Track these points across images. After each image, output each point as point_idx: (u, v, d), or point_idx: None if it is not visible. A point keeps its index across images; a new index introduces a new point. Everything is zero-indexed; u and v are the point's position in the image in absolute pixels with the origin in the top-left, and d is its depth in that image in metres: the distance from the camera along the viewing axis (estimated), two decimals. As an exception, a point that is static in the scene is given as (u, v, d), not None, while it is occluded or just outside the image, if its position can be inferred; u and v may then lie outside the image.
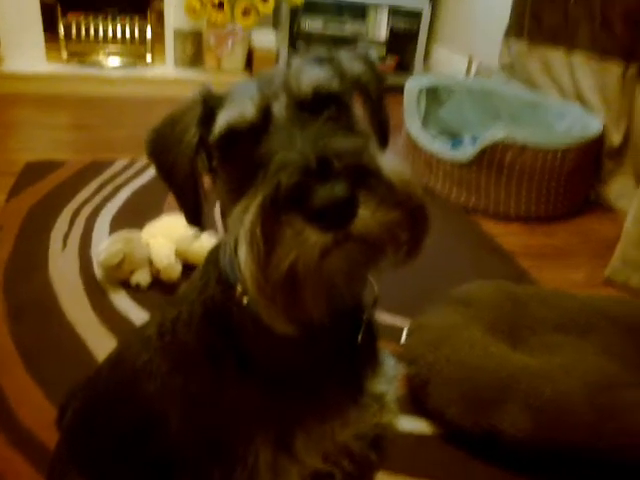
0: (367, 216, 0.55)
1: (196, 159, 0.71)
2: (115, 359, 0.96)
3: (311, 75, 0.68)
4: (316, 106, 0.67)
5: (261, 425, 0.74)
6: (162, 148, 0.72)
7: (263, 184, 0.58)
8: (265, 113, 0.65)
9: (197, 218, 0.75)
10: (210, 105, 0.70)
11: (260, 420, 0.74)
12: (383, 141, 0.79)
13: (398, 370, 0.88)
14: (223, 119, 0.67)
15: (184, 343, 0.81)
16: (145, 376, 0.84)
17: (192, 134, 0.70)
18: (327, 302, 0.60)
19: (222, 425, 0.76)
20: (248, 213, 0.57)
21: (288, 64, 0.70)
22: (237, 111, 0.66)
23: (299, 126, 0.63)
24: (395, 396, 0.86)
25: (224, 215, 0.72)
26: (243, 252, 0.57)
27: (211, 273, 0.80)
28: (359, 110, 0.75)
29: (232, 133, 0.67)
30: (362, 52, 0.79)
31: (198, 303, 0.80)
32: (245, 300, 0.71)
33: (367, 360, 0.82)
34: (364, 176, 0.56)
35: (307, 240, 0.54)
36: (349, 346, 0.78)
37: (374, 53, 0.81)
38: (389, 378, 0.85)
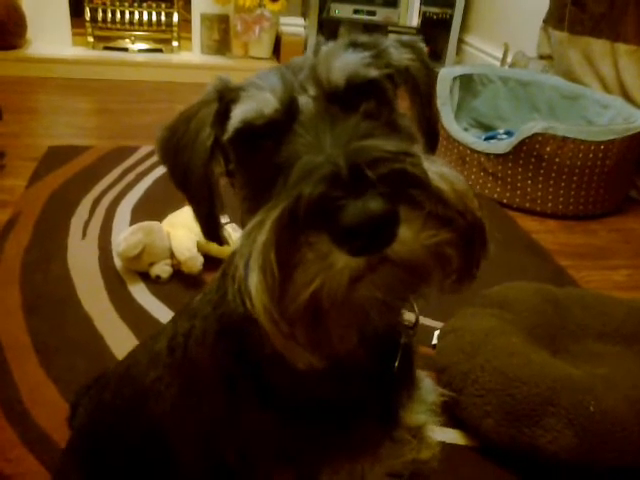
0: (410, 237, 0.46)
1: (211, 162, 0.63)
2: (123, 374, 0.90)
3: (344, 61, 0.58)
4: (351, 99, 0.57)
5: (280, 460, 0.66)
6: (174, 150, 0.65)
7: (282, 195, 0.49)
8: (289, 107, 0.56)
9: (213, 229, 0.66)
10: (227, 100, 0.62)
11: (279, 455, 0.66)
12: (431, 143, 0.69)
13: (437, 395, 0.79)
14: (238, 114, 0.58)
15: (196, 362, 0.73)
16: (153, 395, 0.78)
17: (206, 134, 0.62)
18: (357, 334, 0.51)
19: (236, 455, 0.69)
20: (262, 231, 0.48)
21: (316, 49, 0.60)
22: (254, 105, 0.57)
23: (329, 123, 0.53)
24: (435, 427, 0.77)
25: (244, 226, 0.63)
26: (254, 280, 0.48)
27: (229, 286, 0.71)
28: (403, 107, 0.65)
29: (249, 131, 0.58)
30: (411, 40, 0.69)
31: (213, 319, 0.72)
32: None
33: (403, 386, 0.73)
34: (407, 187, 0.46)
35: (333, 266, 0.45)
36: (383, 373, 0.68)
37: (422, 43, 0.70)
38: (427, 405, 0.76)
